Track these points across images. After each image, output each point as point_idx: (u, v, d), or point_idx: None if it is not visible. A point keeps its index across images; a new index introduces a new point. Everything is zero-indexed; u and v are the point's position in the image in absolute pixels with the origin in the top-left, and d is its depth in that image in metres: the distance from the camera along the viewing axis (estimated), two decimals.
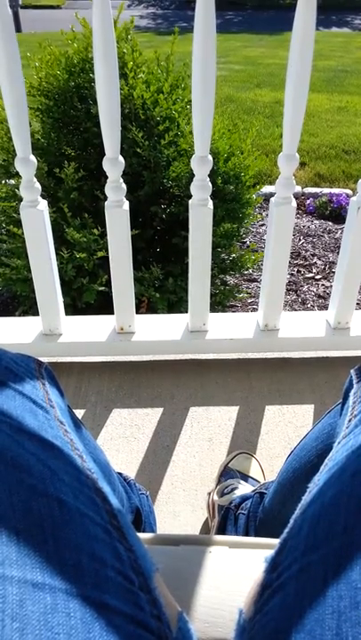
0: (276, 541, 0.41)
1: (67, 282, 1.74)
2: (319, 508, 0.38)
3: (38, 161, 1.69)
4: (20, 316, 1.97)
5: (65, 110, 1.80)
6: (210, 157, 1.05)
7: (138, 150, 1.75)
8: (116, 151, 1.04)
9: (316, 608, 0.32)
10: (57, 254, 1.56)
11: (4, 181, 1.88)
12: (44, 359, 1.32)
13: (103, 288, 1.74)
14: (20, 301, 2.03)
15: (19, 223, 1.77)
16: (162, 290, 1.86)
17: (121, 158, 1.06)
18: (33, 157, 1.05)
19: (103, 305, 1.75)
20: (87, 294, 1.75)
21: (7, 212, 1.84)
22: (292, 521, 0.40)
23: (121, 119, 1.00)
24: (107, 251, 1.17)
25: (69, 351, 1.31)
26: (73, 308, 1.80)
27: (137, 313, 1.30)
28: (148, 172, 1.80)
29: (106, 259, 1.22)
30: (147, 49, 1.94)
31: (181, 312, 1.32)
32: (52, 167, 1.76)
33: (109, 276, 1.22)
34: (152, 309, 1.87)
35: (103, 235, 1.68)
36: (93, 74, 1.06)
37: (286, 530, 0.40)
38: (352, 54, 8.26)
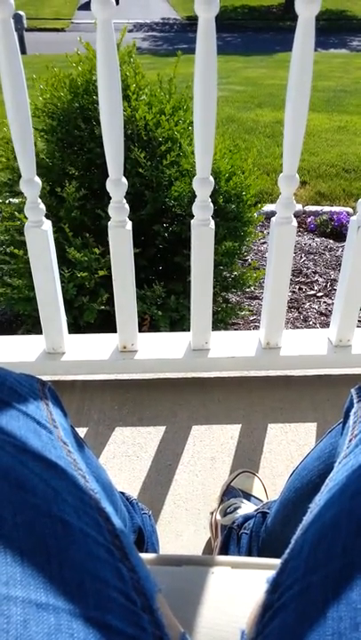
0: (278, 562, 0.41)
1: (68, 300, 1.75)
2: (320, 529, 0.38)
3: (42, 180, 1.72)
4: (22, 334, 1.98)
5: (69, 131, 1.83)
6: (211, 179, 1.07)
7: (140, 170, 1.78)
8: (120, 172, 1.05)
9: (316, 630, 0.32)
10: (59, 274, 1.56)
11: (7, 201, 1.90)
12: (47, 377, 1.33)
13: (104, 307, 1.75)
14: (22, 320, 2.04)
15: (20, 244, 1.79)
16: (164, 308, 1.86)
17: (124, 179, 1.07)
18: (37, 179, 1.07)
19: (104, 323, 1.76)
20: (87, 313, 1.76)
21: (10, 231, 1.86)
22: (293, 541, 0.40)
23: (124, 140, 1.02)
24: (108, 270, 1.18)
25: (72, 369, 1.31)
26: (74, 326, 1.81)
27: (139, 331, 1.30)
28: (150, 191, 1.82)
29: (107, 277, 1.23)
30: (149, 70, 1.98)
31: (184, 330, 1.33)
32: (55, 186, 1.78)
33: (110, 295, 1.23)
34: (154, 327, 1.88)
35: (104, 254, 1.69)
36: (97, 95, 1.08)
37: (287, 550, 0.40)
38: (351, 75, 8.37)
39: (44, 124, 1.86)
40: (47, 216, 1.15)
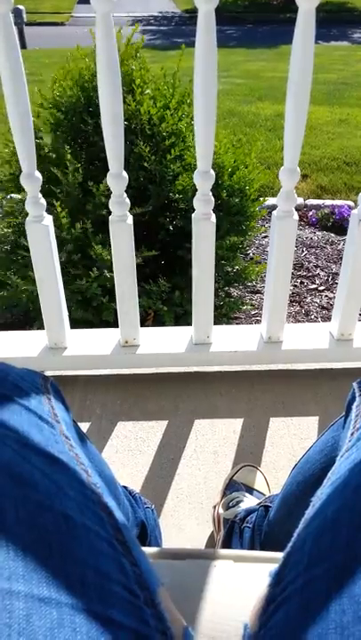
0: (280, 555, 0.41)
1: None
2: (322, 523, 0.38)
3: (49, 173, 1.71)
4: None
5: (75, 124, 1.82)
6: (212, 172, 1.06)
7: (144, 164, 1.77)
8: (120, 167, 1.05)
9: (319, 623, 0.32)
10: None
11: (9, 196, 1.90)
12: (50, 373, 1.33)
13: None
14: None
15: (21, 246, 1.78)
16: (169, 303, 1.86)
17: (125, 173, 1.07)
18: (38, 173, 1.07)
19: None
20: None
21: (13, 226, 1.86)
22: (295, 535, 0.40)
23: (128, 134, 1.02)
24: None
25: (75, 364, 1.31)
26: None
27: (143, 325, 1.30)
28: (154, 185, 1.81)
29: None
30: (151, 64, 1.97)
31: (188, 324, 1.33)
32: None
33: None
34: (159, 322, 1.88)
35: None
36: None
37: (290, 544, 0.40)
38: (352, 67, 8.32)
39: (51, 115, 1.85)
40: (72, 211, 1.13)
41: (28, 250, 1.16)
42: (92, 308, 1.79)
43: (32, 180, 1.06)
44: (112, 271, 1.66)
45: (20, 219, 1.82)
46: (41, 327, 1.29)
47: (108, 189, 1.70)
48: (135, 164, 1.77)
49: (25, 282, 1.77)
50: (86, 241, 1.72)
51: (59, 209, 1.64)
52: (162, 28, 13.62)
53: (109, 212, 1.12)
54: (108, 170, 1.06)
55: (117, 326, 1.28)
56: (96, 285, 1.72)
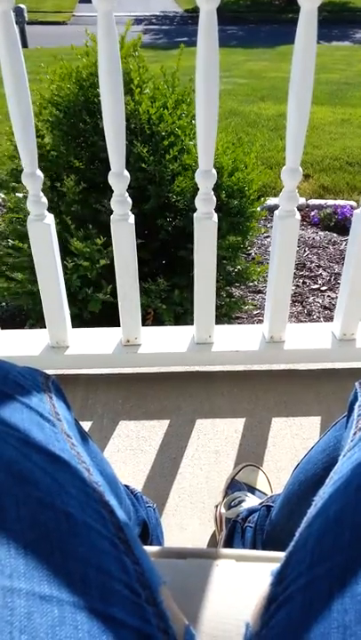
0: (282, 555, 0.41)
1: (72, 292, 1.75)
2: (324, 522, 0.38)
3: (45, 174, 1.71)
4: (27, 329, 1.98)
5: (74, 123, 1.82)
6: (214, 171, 1.06)
7: (143, 165, 1.77)
8: (122, 166, 1.05)
9: (321, 622, 0.32)
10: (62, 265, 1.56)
11: (11, 194, 1.90)
12: (52, 371, 1.32)
13: (107, 297, 1.75)
14: (26, 315, 2.04)
15: (24, 236, 1.78)
16: (168, 301, 1.86)
17: (126, 173, 1.07)
18: (39, 172, 1.07)
19: (109, 314, 1.76)
20: (92, 304, 1.76)
21: (14, 223, 1.86)
22: (297, 534, 0.40)
23: (127, 134, 1.02)
24: (110, 260, 1.18)
25: (76, 363, 1.31)
26: (79, 318, 1.81)
27: (143, 324, 1.30)
28: (154, 185, 1.81)
29: (109, 268, 1.23)
30: (152, 64, 1.97)
31: (188, 324, 1.32)
32: (60, 179, 1.78)
33: (114, 286, 1.22)
34: (158, 321, 1.88)
35: (106, 245, 1.69)
36: None
37: (292, 543, 0.40)
38: (354, 67, 8.31)
39: (50, 114, 1.85)
40: (49, 210, 1.14)
41: (18, 249, 1.16)
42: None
43: (33, 178, 1.06)
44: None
45: (22, 216, 1.82)
46: (35, 325, 1.29)
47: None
48: (135, 164, 1.77)
49: (27, 278, 1.77)
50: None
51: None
52: (164, 27, 13.62)
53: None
54: (107, 170, 1.06)
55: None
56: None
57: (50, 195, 1.76)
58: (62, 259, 1.22)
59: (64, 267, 1.66)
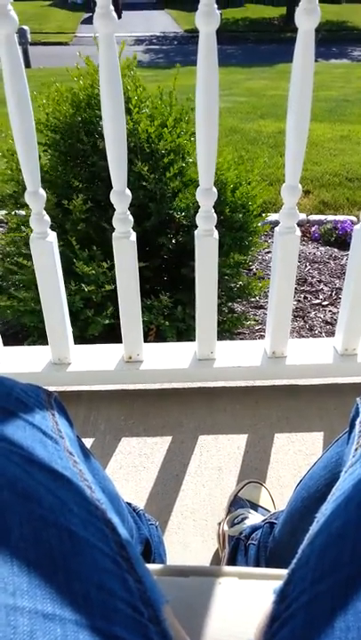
0: (285, 572, 0.40)
1: (73, 313, 1.76)
2: (326, 539, 0.38)
3: (47, 192, 1.73)
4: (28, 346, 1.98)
5: (72, 144, 1.85)
6: (214, 189, 1.07)
7: (144, 183, 1.79)
8: (124, 184, 1.06)
9: None
10: (65, 286, 1.58)
11: (13, 212, 1.92)
12: (54, 388, 1.33)
13: (108, 321, 1.75)
14: (28, 332, 2.05)
15: (27, 255, 1.80)
16: (171, 318, 1.87)
17: (128, 191, 1.08)
18: (42, 191, 1.08)
19: (110, 335, 1.77)
20: (92, 327, 1.76)
21: (17, 242, 1.87)
22: (300, 551, 0.40)
23: (127, 153, 1.03)
24: (114, 284, 1.19)
25: (78, 380, 1.31)
26: (80, 338, 1.81)
27: (146, 341, 1.31)
28: (155, 203, 1.83)
29: (114, 291, 1.23)
30: (152, 83, 2.00)
31: (191, 340, 1.33)
32: (61, 199, 1.80)
33: (116, 308, 1.23)
34: (161, 337, 1.88)
35: (111, 268, 1.70)
36: (99, 109, 1.09)
37: (295, 560, 0.40)
38: (353, 84, 8.41)
39: (47, 137, 1.87)
40: (53, 228, 1.15)
41: (22, 267, 1.17)
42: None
43: (36, 197, 1.07)
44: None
45: (25, 234, 1.84)
46: (35, 342, 1.29)
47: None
48: (135, 183, 1.78)
49: (30, 297, 1.78)
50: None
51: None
52: (164, 47, 13.81)
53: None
54: (108, 188, 1.07)
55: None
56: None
57: (54, 213, 1.77)
58: (66, 281, 1.23)
59: (67, 289, 1.67)
